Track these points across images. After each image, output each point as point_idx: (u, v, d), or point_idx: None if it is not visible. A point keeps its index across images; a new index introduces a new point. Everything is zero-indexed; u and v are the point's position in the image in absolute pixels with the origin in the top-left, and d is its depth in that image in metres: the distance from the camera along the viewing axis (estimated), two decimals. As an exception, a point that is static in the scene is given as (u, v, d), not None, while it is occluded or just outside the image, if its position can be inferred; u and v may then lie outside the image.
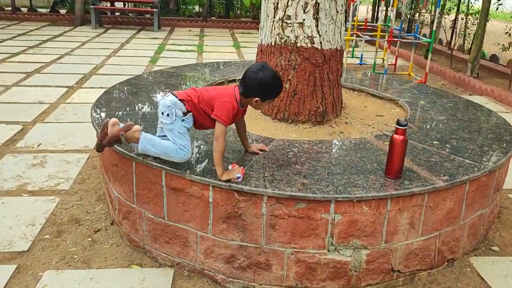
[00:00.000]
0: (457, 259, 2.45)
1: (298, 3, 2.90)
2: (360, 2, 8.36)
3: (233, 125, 2.36)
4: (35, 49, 8.11)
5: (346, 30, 6.64)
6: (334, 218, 2.03)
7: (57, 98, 5.19)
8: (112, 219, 2.74)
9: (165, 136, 2.21)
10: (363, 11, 12.07)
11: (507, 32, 6.76)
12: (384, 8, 10.51)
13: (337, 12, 3.01)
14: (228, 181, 2.05)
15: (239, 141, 2.44)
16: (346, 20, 3.11)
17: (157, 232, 2.34)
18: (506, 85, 6.54)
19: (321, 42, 2.98)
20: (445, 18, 8.76)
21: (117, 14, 12.60)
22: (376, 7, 12.66)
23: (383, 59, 7.49)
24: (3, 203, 2.90)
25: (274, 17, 3.02)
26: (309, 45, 2.96)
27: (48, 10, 12.55)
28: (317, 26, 2.94)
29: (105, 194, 2.94)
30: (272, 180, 2.08)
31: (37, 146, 3.82)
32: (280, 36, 3.01)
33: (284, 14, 2.96)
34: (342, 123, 3.15)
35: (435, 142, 2.64)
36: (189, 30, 11.83)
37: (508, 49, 6.84)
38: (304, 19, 2.92)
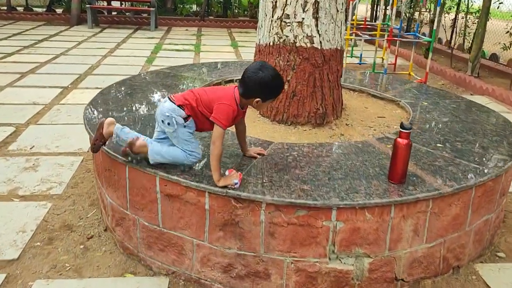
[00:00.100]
0: (462, 266, 2.37)
1: (297, 1, 2.81)
2: (359, 0, 8.28)
3: (231, 127, 2.27)
4: (30, 49, 8.01)
5: (345, 29, 6.56)
6: (336, 225, 1.95)
7: (51, 99, 5.09)
8: (106, 225, 2.65)
9: (166, 138, 2.16)
10: (362, 10, 11.99)
11: (507, 31, 6.68)
12: (383, 7, 10.43)
13: (337, 11, 2.92)
14: (224, 187, 1.96)
15: (236, 145, 2.36)
16: (346, 19, 3.02)
17: (152, 239, 2.25)
18: (507, 84, 6.47)
19: (320, 42, 2.89)
20: (445, 17, 8.68)
21: (113, 13, 12.51)
22: (375, 5, 12.58)
23: (383, 59, 7.41)
24: (-7, 208, 2.82)
25: (273, 16, 2.93)
26: (308, 45, 2.87)
27: (44, 9, 12.44)
28: (316, 25, 2.86)
29: (98, 199, 2.85)
30: (271, 186, 1.99)
31: (30, 148, 3.72)
32: (278, 35, 2.92)
33: (282, 13, 2.87)
34: (342, 125, 3.07)
35: (438, 144, 2.56)
36: (187, 30, 11.73)
37: (509, 49, 6.76)
38: (303, 18, 2.84)
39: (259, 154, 2.33)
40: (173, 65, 4.88)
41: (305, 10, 2.83)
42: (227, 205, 1.99)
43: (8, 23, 11.12)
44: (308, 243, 1.98)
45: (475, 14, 7.74)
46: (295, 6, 2.83)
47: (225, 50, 8.89)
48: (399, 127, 2.06)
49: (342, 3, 2.96)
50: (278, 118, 3.02)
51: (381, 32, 6.86)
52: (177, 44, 9.22)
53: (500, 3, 7.29)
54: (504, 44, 6.80)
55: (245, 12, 13.68)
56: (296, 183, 2.03)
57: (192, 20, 12.53)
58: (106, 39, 9.55)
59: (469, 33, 8.09)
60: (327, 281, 2.04)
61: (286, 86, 2.93)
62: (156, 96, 3.32)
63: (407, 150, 2.03)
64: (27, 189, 3.08)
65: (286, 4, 2.85)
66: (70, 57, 7.47)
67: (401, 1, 7.74)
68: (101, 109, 2.95)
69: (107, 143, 2.28)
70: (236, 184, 1.95)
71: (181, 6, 13.44)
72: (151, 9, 11.09)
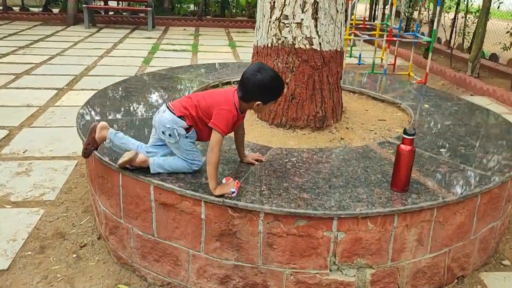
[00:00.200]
0: (467, 275, 2.30)
1: (296, 2, 2.74)
2: (358, 0, 8.20)
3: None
4: (26, 49, 7.91)
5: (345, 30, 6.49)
6: (337, 236, 1.87)
7: (46, 101, 5.00)
8: (99, 233, 2.57)
9: (163, 145, 2.10)
10: (361, 9, 11.91)
11: (508, 31, 6.61)
12: (382, 7, 10.36)
13: (337, 11, 2.85)
14: (221, 196, 1.89)
15: (234, 150, 2.28)
16: (345, 20, 2.95)
17: (146, 249, 2.17)
18: (507, 84, 6.40)
19: (320, 43, 2.82)
20: (444, 16, 8.61)
21: (110, 13, 12.39)
22: (374, 5, 12.51)
23: (382, 59, 7.34)
24: (-17, 216, 2.74)
25: (271, 17, 2.85)
26: (307, 46, 2.80)
27: (41, 9, 12.33)
28: (316, 26, 2.78)
29: (92, 205, 2.77)
30: (269, 195, 1.91)
31: (23, 152, 3.64)
32: (277, 37, 2.85)
33: (281, 14, 2.80)
34: (342, 128, 3.00)
35: (442, 150, 2.49)
36: (184, 29, 11.64)
37: (509, 49, 6.70)
38: (302, 19, 2.76)
39: (257, 160, 2.25)
40: (170, 65, 4.81)
41: (304, 10, 2.75)
42: (224, 214, 1.91)
43: (4, 23, 11.01)
44: (308, 254, 1.91)
45: (475, 13, 7.67)
46: (294, 7, 2.75)
47: (223, 50, 8.81)
48: (401, 132, 1.99)
49: (342, 4, 2.88)
50: (276, 122, 2.94)
51: (380, 32, 6.78)
52: (174, 44, 9.13)
53: (500, 3, 7.22)
54: (505, 44, 6.74)
55: (243, 12, 13.59)
56: (295, 191, 1.95)
57: (190, 20, 12.43)
58: (102, 39, 9.45)
59: (468, 32, 8.02)
60: (328, 292, 1.97)
61: (284, 89, 2.85)
62: (152, 100, 3.24)
63: (410, 157, 1.95)
64: (19, 195, 3.00)
65: (284, 5, 2.77)
66: (66, 58, 7.37)
67: (400, 1, 7.67)
68: (95, 113, 2.87)
69: (99, 148, 2.21)
70: (233, 193, 1.87)
71: (179, 5, 13.34)
72: (148, 9, 11.00)
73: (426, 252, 2.05)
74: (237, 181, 1.96)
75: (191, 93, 2.68)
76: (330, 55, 2.88)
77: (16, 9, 12.38)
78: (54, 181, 3.20)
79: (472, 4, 8.11)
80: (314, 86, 2.88)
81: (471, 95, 6.21)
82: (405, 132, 1.96)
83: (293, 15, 2.76)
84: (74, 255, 2.42)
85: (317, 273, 1.94)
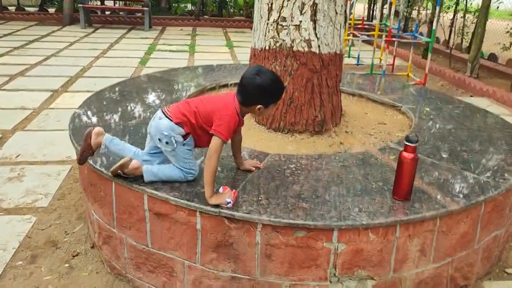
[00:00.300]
0: (470, 285, 2.24)
1: (294, 3, 2.67)
2: (356, 0, 8.15)
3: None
4: (21, 50, 7.82)
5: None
6: (337, 247, 1.81)
7: (40, 103, 4.92)
8: (93, 242, 2.50)
9: (159, 153, 2.03)
10: (360, 9, 11.84)
11: (508, 31, 6.56)
12: (380, 6, 10.28)
13: (336, 13, 2.78)
14: (216, 206, 1.82)
15: (230, 157, 2.21)
16: (345, 21, 2.88)
17: (140, 260, 2.11)
18: (506, 85, 6.35)
19: (319, 46, 2.75)
20: (443, 16, 8.55)
21: (107, 13, 12.30)
22: (372, 5, 12.45)
23: (381, 59, 7.28)
24: (-27, 223, 2.66)
25: (268, 19, 2.78)
26: (306, 49, 2.73)
27: (36, 9, 12.23)
28: (314, 28, 2.71)
29: (86, 213, 2.70)
30: (268, 205, 1.85)
31: (16, 157, 3.56)
32: (274, 39, 2.78)
33: (279, 16, 2.73)
34: (342, 132, 2.93)
35: (444, 155, 2.43)
36: (181, 29, 11.55)
37: (508, 49, 6.64)
38: (300, 21, 2.69)
39: (254, 167, 2.19)
40: (167, 66, 4.74)
41: (302, 12, 2.68)
42: (220, 225, 1.84)
43: (-1, 23, 10.92)
44: (308, 266, 1.84)
45: (474, 13, 7.62)
46: (292, 9, 2.68)
47: (220, 50, 8.73)
48: (402, 135, 1.94)
49: (341, 5, 2.81)
50: (274, 126, 2.88)
51: (379, 33, 6.72)
52: (171, 45, 9.05)
53: (499, 3, 7.16)
54: (504, 44, 6.68)
55: (241, 12, 13.50)
56: (294, 201, 1.89)
57: (187, 19, 12.35)
58: (99, 39, 9.36)
59: (467, 32, 7.97)
60: (328, 305, 1.91)
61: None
62: (148, 104, 3.17)
63: (413, 165, 1.89)
64: (11, 201, 2.93)
65: (282, 6, 2.70)
66: (62, 59, 7.28)
67: (399, 0, 7.61)
68: (88, 117, 2.80)
69: (95, 154, 2.14)
70: (228, 203, 1.81)
71: (176, 5, 13.25)
72: (145, 8, 10.91)
73: (429, 263, 1.99)
74: (234, 190, 1.90)
75: (188, 98, 2.61)
76: (329, 57, 2.82)
77: (12, 9, 12.29)
78: (47, 187, 3.13)
79: (471, 4, 8.06)
80: (313, 89, 2.81)
81: (471, 96, 6.15)
82: (407, 139, 1.89)
83: (291, 17, 2.70)
84: (67, 265, 2.35)
85: (317, 285, 1.87)
